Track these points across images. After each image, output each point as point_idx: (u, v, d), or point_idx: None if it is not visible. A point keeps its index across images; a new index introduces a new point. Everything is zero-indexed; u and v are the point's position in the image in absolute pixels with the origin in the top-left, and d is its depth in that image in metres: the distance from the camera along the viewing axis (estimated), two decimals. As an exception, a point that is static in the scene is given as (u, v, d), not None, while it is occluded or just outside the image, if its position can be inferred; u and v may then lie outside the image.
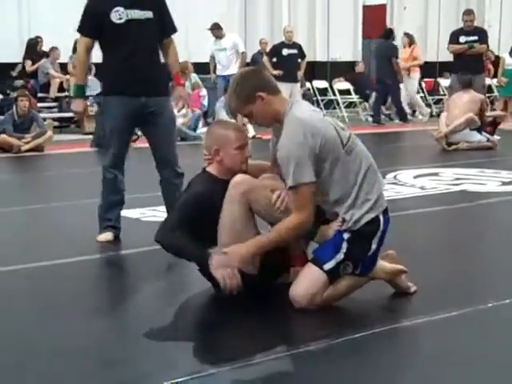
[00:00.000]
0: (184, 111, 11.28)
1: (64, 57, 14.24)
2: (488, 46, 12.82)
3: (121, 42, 4.89)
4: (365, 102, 16.52)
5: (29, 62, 14.07)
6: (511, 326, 3.48)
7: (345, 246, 3.59)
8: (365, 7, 18.98)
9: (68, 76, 14.19)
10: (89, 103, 11.04)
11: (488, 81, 15.24)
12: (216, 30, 13.41)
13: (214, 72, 13.72)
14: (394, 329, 3.40)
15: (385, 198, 3.74)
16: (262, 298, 3.75)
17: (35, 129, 11.02)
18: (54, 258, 4.66)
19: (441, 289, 3.94)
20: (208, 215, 3.69)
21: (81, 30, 5.00)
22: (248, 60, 14.33)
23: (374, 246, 3.63)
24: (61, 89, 14.32)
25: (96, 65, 10.15)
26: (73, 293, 4.04)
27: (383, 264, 3.75)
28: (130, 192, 5.28)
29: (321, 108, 14.29)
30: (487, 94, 13.41)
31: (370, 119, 15.22)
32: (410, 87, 15.47)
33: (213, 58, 13.66)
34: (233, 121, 4.67)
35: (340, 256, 3.59)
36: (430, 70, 17.68)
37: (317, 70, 17.47)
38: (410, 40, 15.60)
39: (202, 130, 12.01)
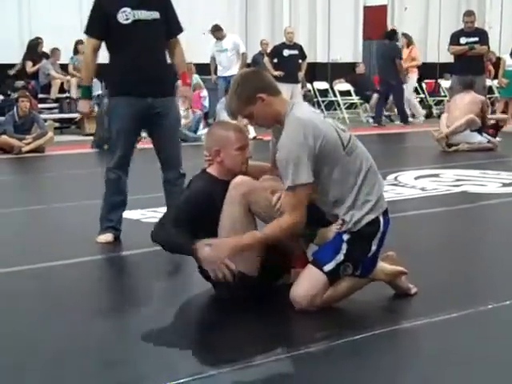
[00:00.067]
0: (184, 112, 11.27)
1: (65, 58, 14.26)
2: (489, 48, 12.80)
3: (127, 42, 4.87)
4: (365, 104, 16.52)
5: (29, 63, 14.06)
6: (511, 328, 3.48)
7: (345, 247, 3.59)
8: (365, 8, 18.94)
9: (69, 77, 14.21)
10: (90, 104, 11.03)
11: (489, 82, 15.25)
12: (216, 31, 13.42)
13: (215, 73, 13.72)
14: (394, 330, 3.40)
15: (385, 199, 3.75)
16: (262, 299, 3.74)
17: (36, 130, 11.03)
18: (55, 259, 4.66)
19: (441, 290, 3.94)
20: (208, 215, 3.69)
21: (88, 31, 4.98)
22: (249, 61, 14.32)
23: (374, 248, 3.63)
24: (61, 90, 14.31)
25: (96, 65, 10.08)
26: (73, 294, 4.05)
27: (383, 265, 3.75)
28: (131, 193, 5.28)
29: (321, 109, 14.29)
30: (488, 96, 13.39)
31: (371, 120, 15.21)
32: (408, 88, 15.46)
33: (213, 59, 13.66)
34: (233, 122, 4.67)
35: (340, 257, 3.59)
36: (430, 71, 17.68)
37: (317, 71, 17.45)
38: (408, 41, 15.61)
39: (203, 131, 12.00)
